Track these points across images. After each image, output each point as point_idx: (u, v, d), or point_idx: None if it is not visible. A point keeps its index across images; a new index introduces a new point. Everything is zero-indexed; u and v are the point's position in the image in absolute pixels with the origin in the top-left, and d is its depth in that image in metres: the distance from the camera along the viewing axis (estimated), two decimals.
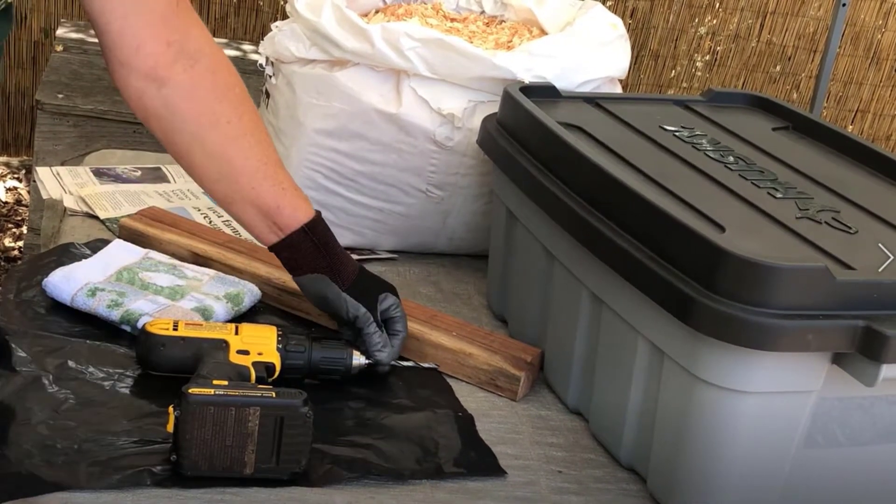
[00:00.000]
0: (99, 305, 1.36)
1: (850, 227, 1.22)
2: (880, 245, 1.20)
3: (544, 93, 1.54)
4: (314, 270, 1.32)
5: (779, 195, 1.30)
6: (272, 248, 1.34)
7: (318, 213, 1.34)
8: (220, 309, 1.39)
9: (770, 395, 1.10)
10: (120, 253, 1.48)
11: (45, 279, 1.39)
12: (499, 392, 1.37)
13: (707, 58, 4.70)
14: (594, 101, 1.58)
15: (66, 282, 1.38)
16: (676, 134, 1.48)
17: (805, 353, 1.07)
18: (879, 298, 1.07)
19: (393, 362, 1.36)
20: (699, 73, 4.71)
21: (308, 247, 1.32)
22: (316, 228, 1.32)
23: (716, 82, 4.70)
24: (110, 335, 1.35)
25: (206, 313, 1.37)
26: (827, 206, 1.28)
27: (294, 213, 1.31)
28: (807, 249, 1.15)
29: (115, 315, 1.35)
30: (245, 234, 1.68)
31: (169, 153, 1.33)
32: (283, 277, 1.48)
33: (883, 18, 4.69)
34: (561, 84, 1.58)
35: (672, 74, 4.68)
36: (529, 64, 1.60)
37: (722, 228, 1.16)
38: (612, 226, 1.21)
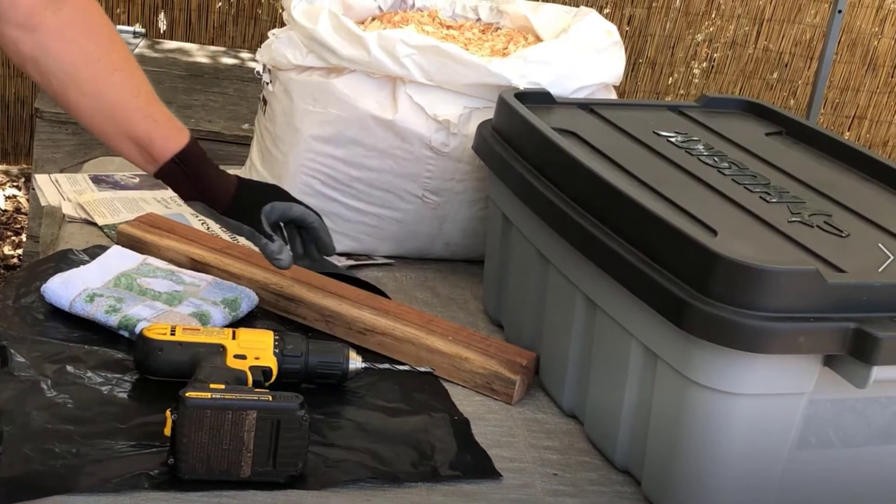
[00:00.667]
0: (97, 311, 1.36)
1: (841, 231, 1.23)
2: (880, 245, 1.21)
3: (539, 99, 1.55)
4: (192, 197, 1.39)
5: (771, 199, 1.31)
6: (155, 176, 1.40)
7: (192, 142, 1.39)
8: (218, 314, 1.40)
9: (762, 398, 1.11)
10: (118, 259, 1.49)
11: (44, 285, 1.40)
12: (494, 396, 1.38)
13: (704, 65, 4.71)
14: (589, 107, 1.59)
15: (65, 287, 1.39)
16: (670, 139, 1.49)
17: (797, 356, 1.08)
18: (870, 301, 1.08)
19: (389, 366, 1.37)
20: (696, 81, 4.72)
21: (180, 176, 1.38)
22: (187, 157, 1.38)
23: (713, 89, 4.71)
24: (108, 340, 1.35)
25: (203, 318, 1.38)
26: (819, 210, 1.29)
27: (165, 144, 1.37)
28: (798, 253, 1.16)
29: (114, 320, 1.35)
30: (242, 241, 1.69)
31: (49, 96, 1.39)
32: (281, 283, 1.49)
33: (879, 25, 4.71)
34: (556, 90, 1.60)
35: (669, 81, 4.70)
36: (524, 70, 1.61)
37: (714, 232, 1.17)
38: (606, 230, 1.22)
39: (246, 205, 1.40)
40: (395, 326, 1.44)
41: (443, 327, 1.46)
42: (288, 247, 1.41)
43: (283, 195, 1.43)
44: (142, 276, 1.45)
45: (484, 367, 1.39)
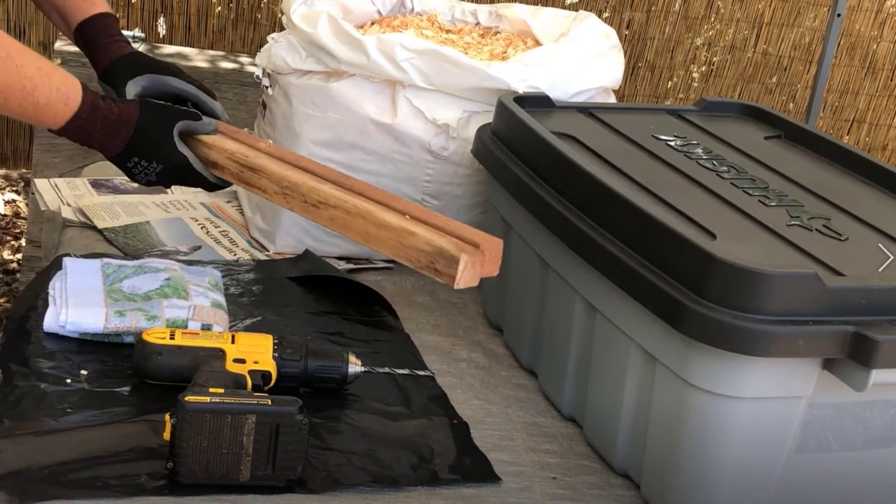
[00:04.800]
0: (139, 321, 1.34)
1: (840, 234, 1.24)
2: (880, 245, 1.21)
3: (538, 103, 1.56)
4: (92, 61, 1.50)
5: (770, 203, 1.31)
6: (74, 41, 1.55)
7: (104, 14, 1.51)
8: (222, 299, 1.44)
9: (761, 401, 1.11)
10: (82, 269, 1.45)
11: (62, 320, 1.34)
12: (437, 277, 1.22)
13: (703, 69, 4.72)
14: (588, 110, 1.59)
15: (86, 310, 1.35)
16: (669, 143, 1.49)
17: (796, 359, 1.08)
18: (869, 304, 1.08)
19: (388, 370, 1.37)
20: (696, 84, 4.72)
21: (81, 42, 1.52)
22: (88, 24, 1.50)
23: (712, 93, 4.71)
24: (108, 345, 1.35)
25: (221, 306, 1.42)
26: (818, 214, 1.29)
27: (76, 13, 1.51)
28: (797, 256, 1.17)
29: (161, 326, 1.34)
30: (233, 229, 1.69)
31: None
32: (247, 153, 1.39)
33: (878, 29, 4.71)
34: (555, 94, 1.60)
35: (669, 85, 4.70)
36: (523, 74, 1.61)
37: (713, 236, 1.17)
38: (605, 234, 1.22)
39: (117, 72, 1.45)
40: (348, 200, 1.30)
41: (411, 210, 1.29)
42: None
43: (174, 72, 1.46)
44: (118, 282, 1.42)
45: (429, 244, 1.22)
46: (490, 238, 1.25)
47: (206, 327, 1.36)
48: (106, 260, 1.48)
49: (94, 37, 1.50)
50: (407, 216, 1.27)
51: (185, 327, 1.35)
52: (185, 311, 1.37)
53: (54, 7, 1.53)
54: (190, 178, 1.38)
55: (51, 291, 1.40)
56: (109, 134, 1.33)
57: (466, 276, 1.20)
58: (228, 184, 1.41)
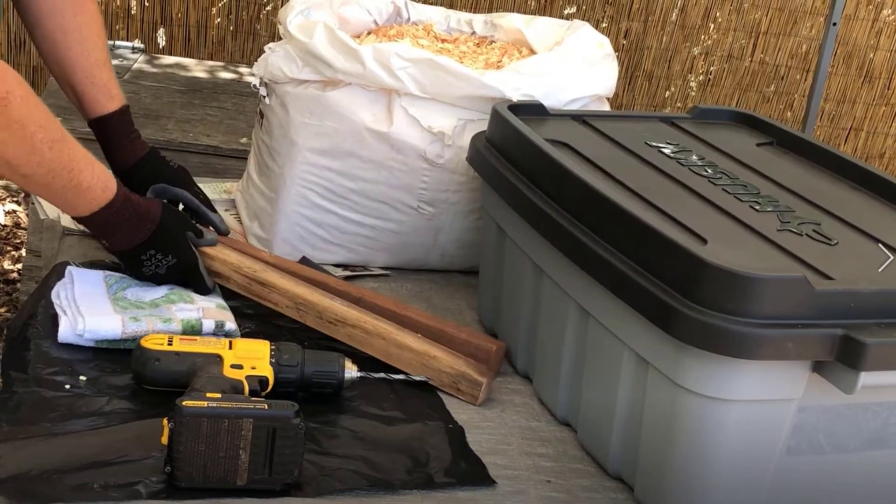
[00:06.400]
0: (154, 324, 1.36)
1: (830, 239, 1.25)
2: (880, 245, 1.23)
3: (532, 111, 1.57)
4: (105, 158, 1.56)
5: (761, 208, 1.32)
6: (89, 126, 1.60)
7: (118, 112, 1.58)
8: (223, 302, 1.48)
9: (752, 404, 1.12)
10: (86, 278, 1.46)
11: (79, 331, 1.34)
12: (460, 395, 1.40)
13: (701, 78, 4.73)
14: (581, 118, 1.60)
15: (104, 317, 1.36)
16: (663, 150, 1.50)
17: (786, 362, 1.09)
18: (857, 307, 1.09)
19: (384, 375, 1.38)
20: (693, 94, 4.74)
21: (97, 138, 1.57)
22: (103, 124, 1.57)
23: (710, 102, 4.73)
24: (106, 351, 1.36)
25: (226, 308, 1.46)
26: (808, 219, 1.30)
27: (92, 106, 1.57)
28: (787, 260, 1.18)
29: (176, 327, 1.37)
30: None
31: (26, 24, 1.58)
32: (255, 266, 1.50)
33: (875, 37, 4.73)
34: (549, 102, 1.61)
35: (666, 94, 4.72)
36: (518, 83, 1.62)
37: (704, 241, 1.19)
38: (598, 239, 1.24)
39: (143, 173, 1.56)
40: (367, 320, 1.44)
41: (416, 318, 1.50)
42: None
43: (178, 180, 1.57)
44: (121, 291, 1.45)
45: (452, 367, 1.40)
46: (494, 345, 1.49)
47: (220, 324, 1.40)
48: (107, 273, 1.50)
49: (118, 133, 1.57)
50: (419, 335, 1.45)
51: (200, 326, 1.38)
52: (196, 311, 1.40)
53: (72, 89, 1.58)
54: (193, 277, 1.47)
55: (55, 300, 1.40)
56: (136, 226, 1.41)
57: (484, 391, 1.40)
58: (215, 289, 1.51)
